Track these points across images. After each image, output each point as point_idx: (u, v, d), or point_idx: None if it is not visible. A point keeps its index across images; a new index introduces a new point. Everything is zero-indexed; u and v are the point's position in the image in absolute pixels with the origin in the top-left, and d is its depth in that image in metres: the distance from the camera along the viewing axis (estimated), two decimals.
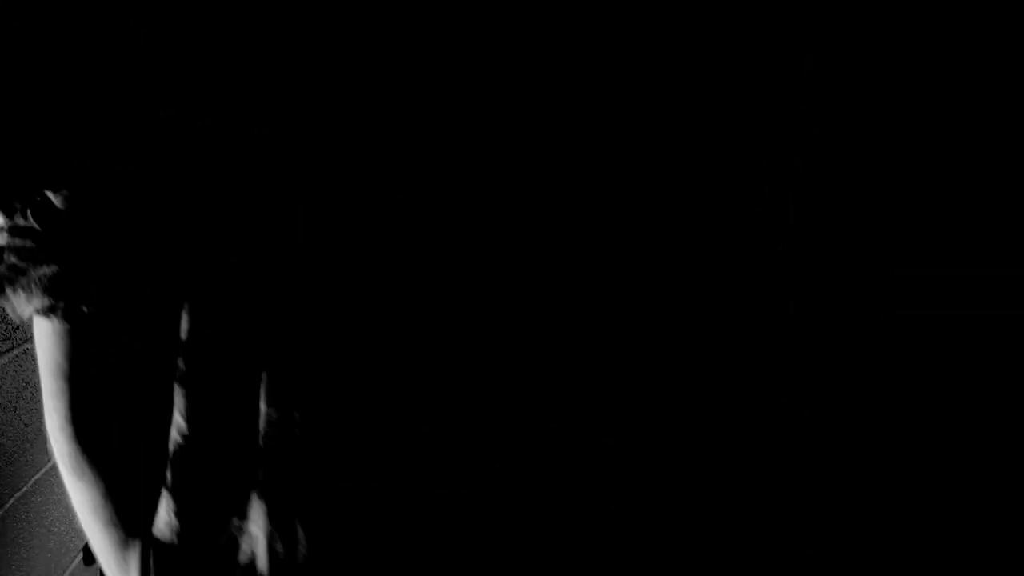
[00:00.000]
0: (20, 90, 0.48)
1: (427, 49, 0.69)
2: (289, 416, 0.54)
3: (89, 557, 1.97)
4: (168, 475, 0.60)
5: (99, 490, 0.61)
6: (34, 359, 1.68)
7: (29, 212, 0.51)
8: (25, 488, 1.65)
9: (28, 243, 0.52)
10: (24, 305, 0.55)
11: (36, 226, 0.52)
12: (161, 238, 0.54)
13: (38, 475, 1.71)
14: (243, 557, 0.58)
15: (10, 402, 1.59)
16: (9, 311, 0.56)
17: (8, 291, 0.55)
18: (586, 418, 0.91)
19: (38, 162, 0.49)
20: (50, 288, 0.52)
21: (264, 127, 0.65)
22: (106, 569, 0.67)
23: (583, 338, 0.90)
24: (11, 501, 1.59)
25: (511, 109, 0.78)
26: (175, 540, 0.60)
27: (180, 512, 0.60)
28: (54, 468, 1.78)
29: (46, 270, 0.52)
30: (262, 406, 0.54)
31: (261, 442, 0.55)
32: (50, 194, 0.50)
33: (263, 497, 0.57)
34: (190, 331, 0.54)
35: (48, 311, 0.54)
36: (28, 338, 1.65)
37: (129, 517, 0.62)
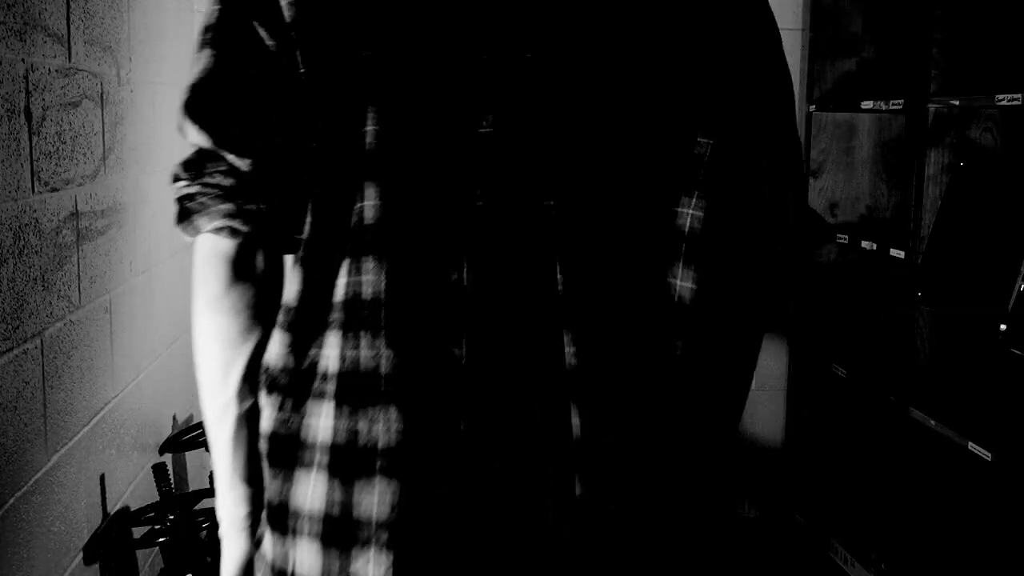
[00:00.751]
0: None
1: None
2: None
3: (89, 557, 1.97)
4: (282, 318, 0.97)
5: (229, 319, 0.99)
6: (34, 359, 1.68)
7: (217, 174, 0.95)
8: (25, 488, 1.65)
9: (213, 191, 0.95)
10: (206, 225, 0.96)
11: (222, 181, 0.95)
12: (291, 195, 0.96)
13: (38, 475, 1.71)
14: (320, 369, 0.94)
15: (10, 402, 1.59)
16: (190, 231, 0.98)
17: (195, 217, 0.96)
18: (587, 419, 0.95)
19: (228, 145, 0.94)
20: (225, 216, 0.95)
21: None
22: (206, 380, 1.02)
23: (585, 338, 0.93)
24: (11, 501, 1.59)
25: (513, 103, 0.93)
26: (277, 362, 0.97)
27: (291, 343, 0.96)
28: (54, 468, 1.78)
29: (222, 207, 0.95)
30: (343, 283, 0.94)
31: (338, 300, 0.94)
32: (232, 158, 0.94)
33: (337, 332, 0.94)
34: (312, 236, 0.97)
35: (219, 230, 0.96)
36: (28, 338, 1.65)
37: (245, 340, 1.00)
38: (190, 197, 0.96)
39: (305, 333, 0.96)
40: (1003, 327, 2.05)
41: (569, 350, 0.91)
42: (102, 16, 2.02)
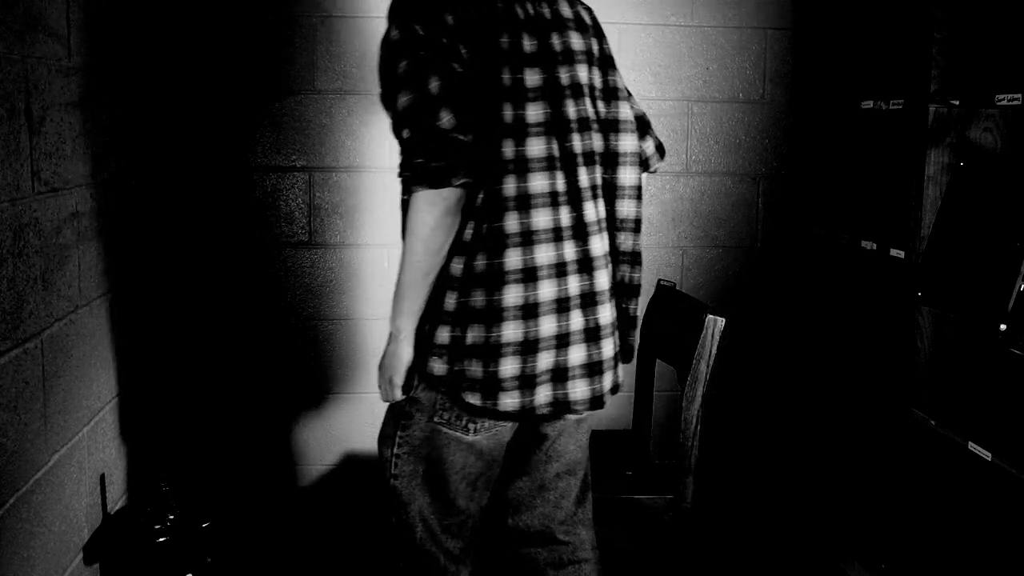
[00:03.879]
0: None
1: None
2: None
3: (89, 557, 1.97)
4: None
5: (453, 218, 1.61)
6: (34, 359, 1.68)
7: (456, 155, 1.58)
8: (25, 488, 1.65)
9: (430, 166, 1.56)
10: (457, 180, 1.57)
11: (460, 159, 1.58)
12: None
13: (38, 475, 1.71)
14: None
15: (10, 402, 1.59)
16: (414, 189, 1.57)
17: (452, 179, 1.56)
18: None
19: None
20: (430, 184, 1.57)
21: None
22: (421, 256, 1.61)
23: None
24: (11, 501, 1.59)
25: None
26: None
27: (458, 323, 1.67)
28: (54, 468, 1.78)
29: (462, 171, 1.57)
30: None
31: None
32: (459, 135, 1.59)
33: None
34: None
35: (461, 184, 1.58)
36: (28, 338, 1.65)
37: (423, 294, 1.65)
38: (440, 168, 1.57)
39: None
40: (1003, 327, 2.05)
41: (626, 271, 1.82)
42: (102, 16, 2.02)
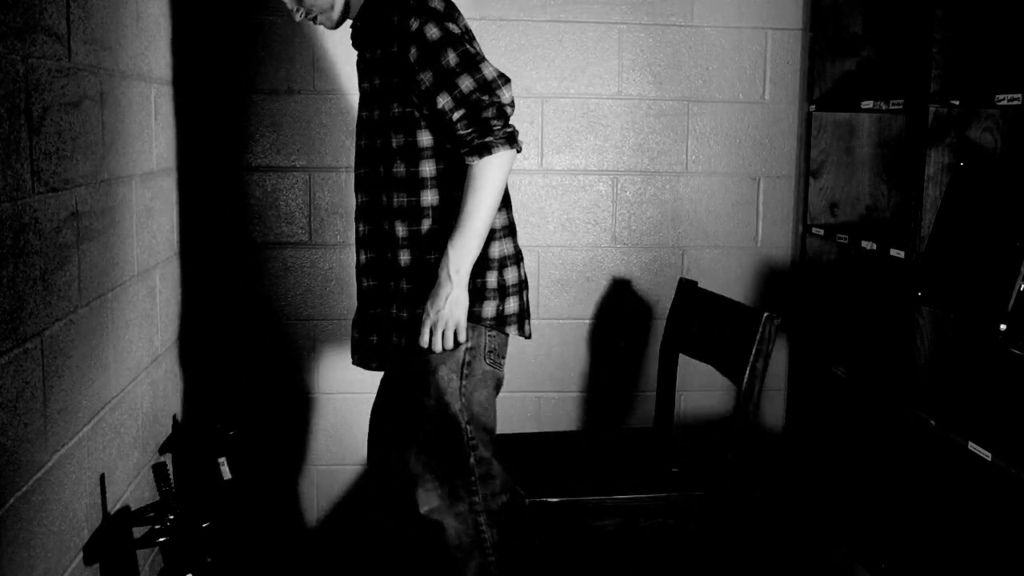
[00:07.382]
0: None
1: None
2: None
3: (89, 557, 1.97)
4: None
5: (488, 224, 1.96)
6: (34, 359, 1.68)
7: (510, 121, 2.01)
8: (25, 488, 1.65)
9: (506, 131, 1.97)
10: (498, 148, 1.93)
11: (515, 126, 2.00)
12: None
13: (38, 475, 1.71)
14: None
15: (10, 402, 1.59)
16: (494, 149, 1.93)
17: (498, 147, 1.93)
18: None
19: None
20: (509, 144, 1.96)
21: None
22: (494, 205, 1.95)
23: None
24: (11, 501, 1.59)
25: None
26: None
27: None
28: (54, 468, 1.78)
29: (508, 143, 1.96)
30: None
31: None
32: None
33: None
34: None
35: (508, 146, 1.96)
36: (28, 338, 1.65)
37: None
38: (513, 132, 1.95)
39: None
40: (1003, 327, 2.05)
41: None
42: (102, 16, 2.02)
